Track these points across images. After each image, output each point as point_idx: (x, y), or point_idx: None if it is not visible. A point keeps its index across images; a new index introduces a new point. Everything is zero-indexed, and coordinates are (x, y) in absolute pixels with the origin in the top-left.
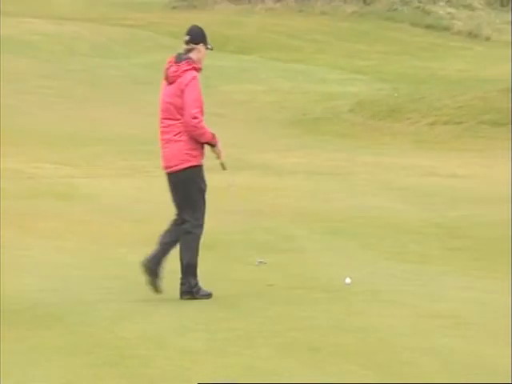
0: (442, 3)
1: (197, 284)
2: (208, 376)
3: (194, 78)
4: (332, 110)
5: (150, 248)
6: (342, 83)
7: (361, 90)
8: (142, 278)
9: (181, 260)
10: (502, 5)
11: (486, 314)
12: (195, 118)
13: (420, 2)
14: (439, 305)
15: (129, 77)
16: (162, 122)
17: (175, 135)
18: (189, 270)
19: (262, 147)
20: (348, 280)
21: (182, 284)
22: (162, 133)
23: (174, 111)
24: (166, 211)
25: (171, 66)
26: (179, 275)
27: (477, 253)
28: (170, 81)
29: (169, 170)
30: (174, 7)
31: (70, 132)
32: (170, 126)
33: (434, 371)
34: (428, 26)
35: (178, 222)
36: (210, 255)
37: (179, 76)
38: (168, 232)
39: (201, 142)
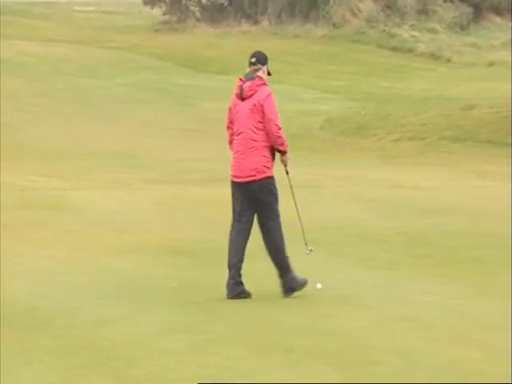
0: (406, 27)
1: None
2: (191, 375)
3: (270, 93)
4: (305, 127)
5: (134, 256)
6: (315, 102)
7: (331, 108)
8: (124, 284)
9: (275, 263)
10: (462, 28)
11: (448, 318)
12: (279, 128)
13: (386, 26)
14: (405, 308)
15: (114, 96)
16: (237, 135)
17: (252, 148)
18: (284, 269)
19: None
20: (319, 285)
21: (283, 284)
22: (238, 145)
23: (252, 125)
24: (147, 222)
25: (243, 83)
26: (164, 281)
27: (440, 260)
28: (246, 96)
29: (246, 180)
30: (156, 30)
31: (59, 147)
32: (246, 138)
33: (400, 370)
34: (393, 48)
35: (243, 228)
36: (192, 262)
37: (255, 91)
38: (235, 243)
39: (279, 150)
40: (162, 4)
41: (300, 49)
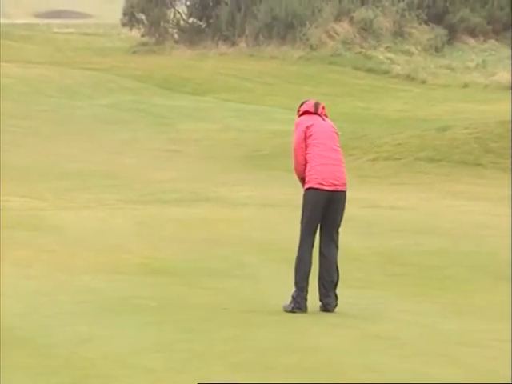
0: (382, 49)
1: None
2: None
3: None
4: (281, 147)
5: (113, 275)
6: (291, 122)
7: None
8: (104, 303)
9: (330, 277)
10: (437, 50)
11: (424, 336)
12: None
13: (362, 48)
14: (380, 327)
15: (93, 116)
16: (325, 145)
17: (340, 160)
18: (336, 284)
19: (216, 181)
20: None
21: (331, 299)
22: (331, 151)
23: (337, 140)
24: (126, 241)
25: (315, 104)
26: (143, 301)
27: (416, 279)
28: (324, 116)
29: (341, 189)
30: (134, 52)
31: (38, 167)
32: (336, 150)
33: None
34: (369, 70)
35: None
36: (171, 281)
37: (326, 115)
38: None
39: None
40: (141, 26)
41: (276, 70)
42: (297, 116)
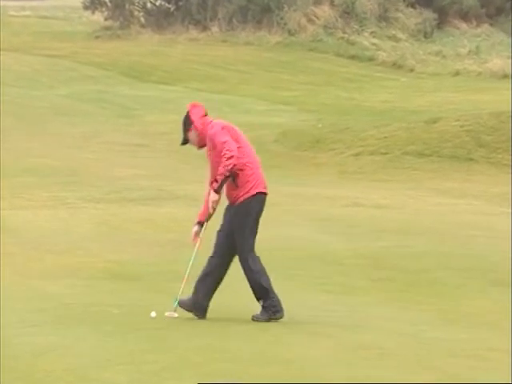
0: (366, 34)
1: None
2: None
3: None
4: (257, 141)
5: (73, 280)
6: (267, 114)
7: (285, 120)
8: (63, 311)
9: (263, 283)
10: (426, 36)
11: (409, 345)
12: None
13: (344, 33)
14: (363, 336)
15: (52, 107)
16: (249, 147)
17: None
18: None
19: (185, 178)
20: (153, 314)
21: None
22: (252, 157)
23: None
24: (88, 243)
25: (202, 107)
26: (106, 308)
27: (401, 284)
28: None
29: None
30: (97, 37)
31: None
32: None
33: None
34: (352, 57)
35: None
36: (135, 286)
37: None
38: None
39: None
40: (104, 9)
41: (252, 57)
42: (193, 122)
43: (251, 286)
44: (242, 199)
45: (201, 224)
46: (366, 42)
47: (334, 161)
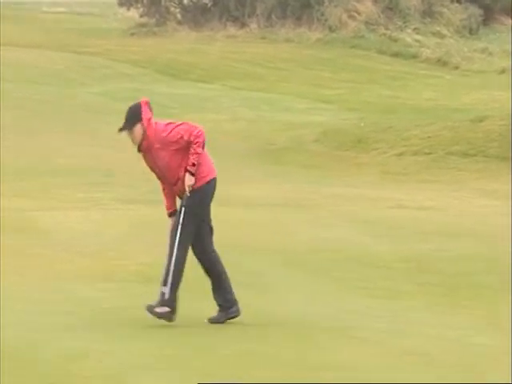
0: (409, 30)
1: None
2: None
3: None
4: (296, 140)
5: (105, 283)
6: (307, 112)
7: (326, 119)
8: (95, 315)
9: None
10: (471, 32)
11: (453, 351)
12: None
13: (387, 29)
14: (408, 341)
15: (86, 106)
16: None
17: None
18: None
19: (222, 178)
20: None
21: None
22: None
23: None
24: (122, 246)
25: None
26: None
27: (445, 288)
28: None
29: None
30: (132, 34)
31: (24, 163)
32: None
33: None
34: (395, 54)
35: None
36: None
37: None
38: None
39: None
40: (140, 5)
41: (291, 54)
42: (142, 119)
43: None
44: (197, 186)
45: (174, 214)
46: (409, 39)
47: (377, 161)
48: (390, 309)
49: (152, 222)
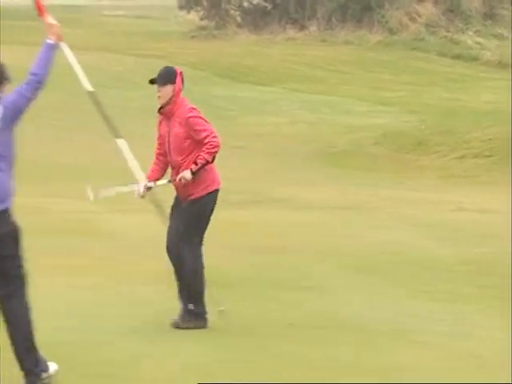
0: (470, 32)
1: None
2: None
3: None
4: (357, 143)
5: (170, 285)
6: (367, 115)
7: (386, 121)
8: (158, 318)
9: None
10: None
11: None
12: None
13: (448, 32)
14: (470, 344)
15: (146, 108)
16: None
17: None
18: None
19: (283, 181)
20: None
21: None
22: None
23: None
24: None
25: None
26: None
27: (505, 291)
28: None
29: None
30: (192, 37)
31: (86, 165)
32: None
33: None
34: (456, 56)
35: None
36: (229, 293)
37: None
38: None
39: None
40: (200, 8)
41: (351, 57)
42: (176, 82)
43: None
44: (198, 195)
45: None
46: (470, 41)
47: (437, 164)
48: (451, 312)
49: (213, 225)
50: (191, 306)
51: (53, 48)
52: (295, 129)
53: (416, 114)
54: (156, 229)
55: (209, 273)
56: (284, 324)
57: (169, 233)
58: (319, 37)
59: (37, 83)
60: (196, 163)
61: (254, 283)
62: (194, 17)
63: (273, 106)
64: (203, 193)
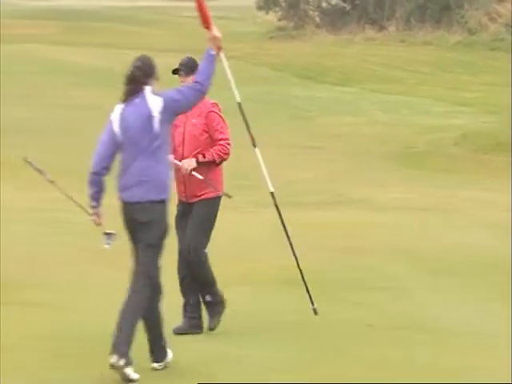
0: None
1: None
2: None
3: None
4: (435, 144)
5: (242, 286)
6: (446, 115)
7: (465, 122)
8: (234, 318)
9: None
10: None
11: None
12: None
13: None
14: None
15: (223, 108)
16: None
17: None
18: None
19: (362, 181)
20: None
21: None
22: None
23: None
24: (258, 248)
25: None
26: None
27: None
28: None
29: None
30: (271, 37)
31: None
32: None
33: None
34: None
35: None
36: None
37: None
38: None
39: None
40: (278, 9)
41: (430, 57)
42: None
43: None
44: (210, 196)
45: None
46: None
47: None
48: None
49: (290, 226)
50: (209, 298)
51: (215, 59)
52: (373, 129)
53: (495, 114)
54: (228, 229)
55: (286, 273)
56: (363, 325)
57: (183, 241)
58: (398, 37)
59: (199, 90)
60: (204, 155)
61: (330, 284)
62: (272, 17)
63: (351, 107)
64: (213, 195)
